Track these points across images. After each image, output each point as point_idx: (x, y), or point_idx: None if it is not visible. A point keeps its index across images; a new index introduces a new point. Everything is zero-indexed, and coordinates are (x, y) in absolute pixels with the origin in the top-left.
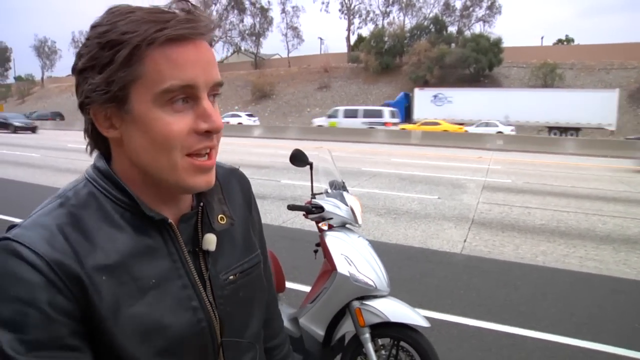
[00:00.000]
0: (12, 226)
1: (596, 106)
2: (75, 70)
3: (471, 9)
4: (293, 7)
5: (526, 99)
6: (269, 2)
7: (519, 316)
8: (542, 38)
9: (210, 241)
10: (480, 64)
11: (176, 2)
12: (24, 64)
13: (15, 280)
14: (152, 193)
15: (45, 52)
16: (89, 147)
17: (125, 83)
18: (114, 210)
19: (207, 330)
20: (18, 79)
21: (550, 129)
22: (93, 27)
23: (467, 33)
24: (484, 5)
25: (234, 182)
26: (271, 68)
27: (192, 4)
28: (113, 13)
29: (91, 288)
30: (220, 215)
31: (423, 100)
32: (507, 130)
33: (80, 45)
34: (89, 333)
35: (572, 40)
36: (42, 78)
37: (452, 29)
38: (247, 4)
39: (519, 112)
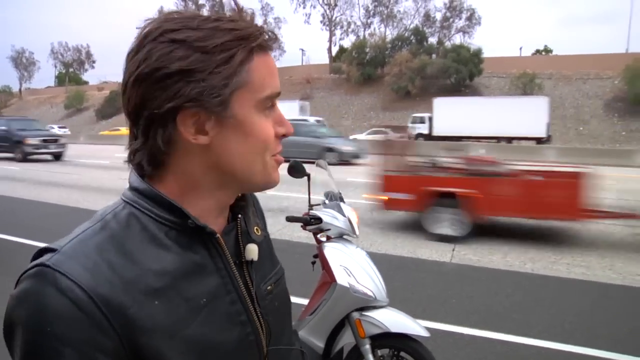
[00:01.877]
0: (46, 249)
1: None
2: (163, 73)
3: (451, 19)
4: (275, 19)
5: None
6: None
7: (512, 323)
8: (520, 48)
9: (253, 251)
10: (461, 74)
11: (238, 11)
12: (0, 75)
13: (53, 315)
14: (199, 209)
15: (23, 63)
16: (137, 158)
17: (236, 87)
18: (158, 229)
19: (254, 342)
20: None
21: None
22: (173, 30)
23: (448, 44)
24: (464, 16)
25: (251, 195)
26: None
27: (246, 10)
28: (193, 19)
29: (141, 316)
30: (255, 227)
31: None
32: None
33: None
34: None
35: (551, 50)
36: (20, 89)
37: (433, 40)
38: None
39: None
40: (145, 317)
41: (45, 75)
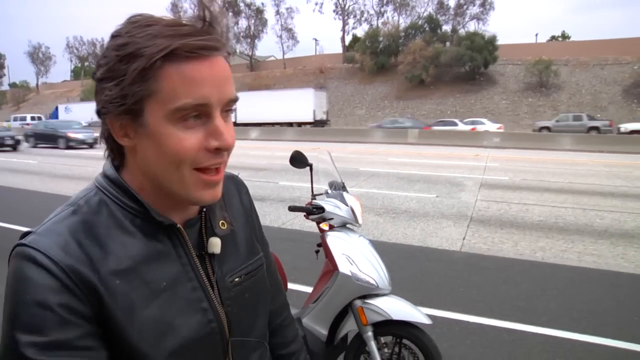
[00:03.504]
0: (26, 233)
1: (299, 104)
2: (94, 78)
3: (465, 6)
4: (287, 9)
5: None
6: (262, 4)
7: (519, 312)
8: (536, 35)
9: (215, 244)
10: (475, 62)
11: (194, 15)
12: (18, 70)
13: (31, 285)
14: (160, 200)
15: (39, 58)
16: (106, 152)
17: (139, 98)
18: (124, 217)
19: (216, 330)
20: (12, 85)
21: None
22: (113, 36)
23: (462, 31)
24: (477, 2)
25: (233, 188)
26: (267, 70)
27: (212, 12)
28: (133, 24)
29: (105, 293)
30: (221, 221)
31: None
32: None
33: (98, 54)
34: (104, 335)
35: (569, 37)
36: (37, 84)
37: (447, 28)
38: (241, 5)
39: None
40: (108, 294)
41: (61, 70)
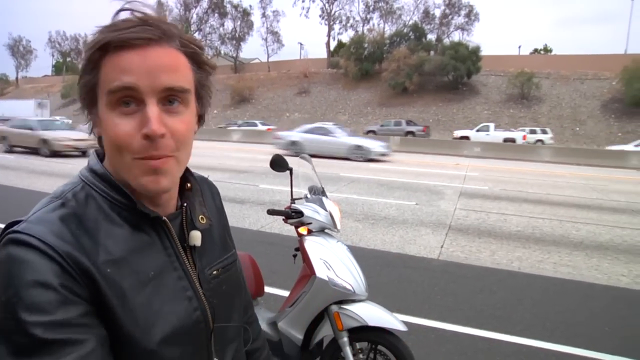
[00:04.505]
0: (13, 223)
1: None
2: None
3: (450, 16)
4: (273, 12)
5: None
6: (250, 6)
7: (494, 321)
8: (519, 47)
9: (196, 237)
10: (458, 71)
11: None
12: None
13: (30, 267)
14: (139, 194)
15: (19, 51)
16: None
17: (91, 87)
18: (111, 209)
19: (201, 318)
20: None
21: None
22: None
23: (446, 41)
24: (462, 13)
25: (206, 188)
26: (251, 72)
27: (143, 11)
28: (112, 21)
29: (100, 279)
30: (200, 216)
31: None
32: None
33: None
34: (100, 317)
35: (551, 50)
36: (17, 78)
37: (432, 37)
38: (228, 7)
39: None
40: (101, 281)
41: (42, 64)
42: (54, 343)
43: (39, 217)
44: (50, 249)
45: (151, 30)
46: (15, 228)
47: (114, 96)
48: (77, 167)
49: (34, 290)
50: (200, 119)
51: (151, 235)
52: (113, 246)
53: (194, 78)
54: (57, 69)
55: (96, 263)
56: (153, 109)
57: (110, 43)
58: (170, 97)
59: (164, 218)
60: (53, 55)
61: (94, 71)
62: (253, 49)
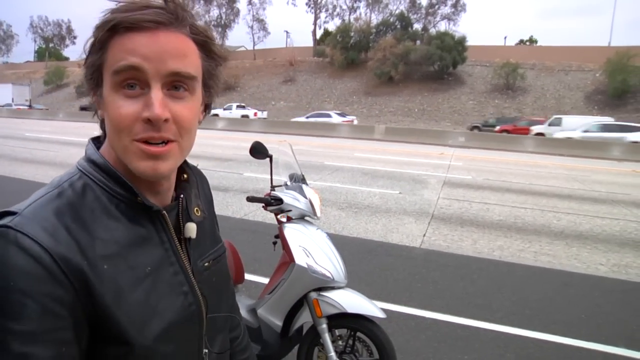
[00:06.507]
0: (7, 212)
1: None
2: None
3: (437, 6)
4: None
5: None
6: None
7: (474, 309)
8: (505, 38)
9: (191, 229)
10: (444, 61)
11: None
12: None
13: (16, 271)
14: (139, 184)
15: (0, 36)
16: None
17: (96, 67)
18: (109, 201)
19: (196, 312)
20: None
21: None
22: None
23: (432, 31)
24: (449, 3)
25: (198, 179)
26: (236, 60)
27: None
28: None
29: (94, 278)
30: (196, 208)
31: None
32: None
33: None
34: (92, 322)
35: (536, 41)
36: None
37: (418, 26)
38: None
39: None
40: (96, 279)
41: (24, 50)
42: (21, 355)
43: (34, 210)
44: (43, 252)
45: (163, 14)
46: (8, 222)
47: (119, 77)
48: (59, 154)
49: (14, 296)
50: (207, 108)
51: (148, 229)
52: (110, 240)
53: (202, 66)
54: (40, 55)
55: (91, 259)
56: (157, 93)
57: (120, 24)
58: (175, 83)
59: (163, 212)
60: (35, 41)
61: (100, 51)
62: (239, 37)
